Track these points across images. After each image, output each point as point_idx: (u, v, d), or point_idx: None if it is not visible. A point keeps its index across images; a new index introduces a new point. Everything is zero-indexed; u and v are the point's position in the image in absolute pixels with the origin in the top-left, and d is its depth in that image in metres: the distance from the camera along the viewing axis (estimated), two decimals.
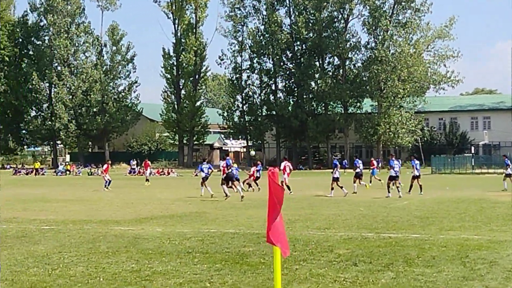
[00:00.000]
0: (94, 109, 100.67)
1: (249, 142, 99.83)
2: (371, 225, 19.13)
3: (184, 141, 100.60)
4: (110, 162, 51.18)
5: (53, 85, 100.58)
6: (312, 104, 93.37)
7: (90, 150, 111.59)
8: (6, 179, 63.79)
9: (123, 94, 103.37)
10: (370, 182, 44.34)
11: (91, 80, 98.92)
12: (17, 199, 32.57)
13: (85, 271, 11.84)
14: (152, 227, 19.10)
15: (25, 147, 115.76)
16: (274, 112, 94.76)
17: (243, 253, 13.80)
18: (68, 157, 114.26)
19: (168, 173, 74.72)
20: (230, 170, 32.40)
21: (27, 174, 79.50)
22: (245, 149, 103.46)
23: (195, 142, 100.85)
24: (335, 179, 33.76)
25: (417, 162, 36.14)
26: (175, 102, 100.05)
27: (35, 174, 78.08)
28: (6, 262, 12.90)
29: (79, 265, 12.45)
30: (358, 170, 38.05)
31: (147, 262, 12.75)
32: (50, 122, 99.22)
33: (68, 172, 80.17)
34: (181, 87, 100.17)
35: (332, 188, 33.53)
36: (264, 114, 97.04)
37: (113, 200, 31.64)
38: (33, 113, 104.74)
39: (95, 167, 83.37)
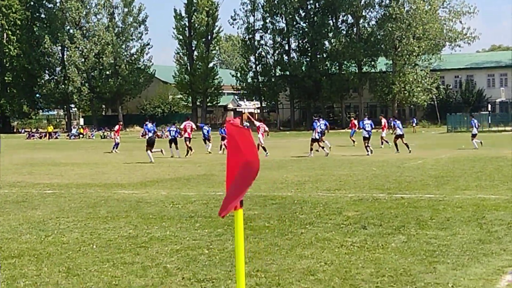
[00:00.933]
0: (107, 72, 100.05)
1: (262, 103, 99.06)
2: (383, 186, 18.46)
3: (198, 103, 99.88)
4: (122, 123, 50.57)
5: (65, 48, 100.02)
6: (326, 63, 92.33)
7: (103, 113, 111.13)
8: (19, 143, 63.63)
9: (135, 56, 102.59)
10: (354, 142, 43.86)
11: (103, 43, 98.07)
12: (26, 163, 32.12)
13: (79, 237, 11.27)
14: (157, 190, 18.53)
15: (39, 111, 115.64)
16: (287, 73, 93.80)
17: (248, 216, 13.15)
18: (82, 121, 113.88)
19: (181, 135, 74.06)
20: (150, 135, 33.25)
21: (40, 138, 79.13)
22: (259, 110, 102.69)
23: (209, 104, 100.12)
24: (315, 140, 33.63)
25: (398, 122, 36.42)
26: (188, 64, 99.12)
27: (48, 138, 77.73)
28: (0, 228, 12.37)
29: (75, 231, 11.87)
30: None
31: (146, 227, 12.16)
32: (63, 86, 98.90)
33: (81, 136, 79.85)
34: (193, 48, 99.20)
35: (312, 149, 33.46)
36: (277, 74, 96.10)
37: (121, 163, 31.11)
38: (46, 77, 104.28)
39: (108, 130, 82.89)
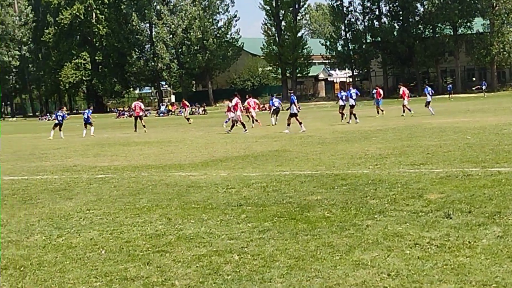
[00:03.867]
0: (195, 47, 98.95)
1: (354, 71, 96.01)
2: (477, 157, 15.79)
3: (287, 74, 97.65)
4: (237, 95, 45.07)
5: (153, 25, 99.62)
6: (419, 27, 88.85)
7: (194, 89, 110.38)
8: (108, 122, 63.22)
9: (223, 29, 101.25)
10: (379, 112, 41.35)
11: (190, 17, 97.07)
12: (97, 143, 30.71)
13: (94, 238, 9.21)
14: (217, 171, 16.41)
15: (131, 89, 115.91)
16: (379, 39, 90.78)
17: (307, 203, 10.87)
18: (173, 98, 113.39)
19: (270, 108, 72.02)
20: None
21: (130, 116, 78.50)
22: (350, 79, 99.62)
23: (299, 75, 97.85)
24: (292, 115, 31.10)
25: (343, 93, 37.42)
26: (276, 35, 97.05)
27: None
28: (13, 226, 10.45)
29: (94, 229, 9.81)
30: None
31: (181, 221, 10.00)
32: (152, 63, 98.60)
33: (170, 113, 78.91)
34: (281, 18, 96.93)
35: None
36: (368, 41, 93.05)
37: (195, 140, 29.27)
38: (135, 55, 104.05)
39: (198, 106, 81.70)
